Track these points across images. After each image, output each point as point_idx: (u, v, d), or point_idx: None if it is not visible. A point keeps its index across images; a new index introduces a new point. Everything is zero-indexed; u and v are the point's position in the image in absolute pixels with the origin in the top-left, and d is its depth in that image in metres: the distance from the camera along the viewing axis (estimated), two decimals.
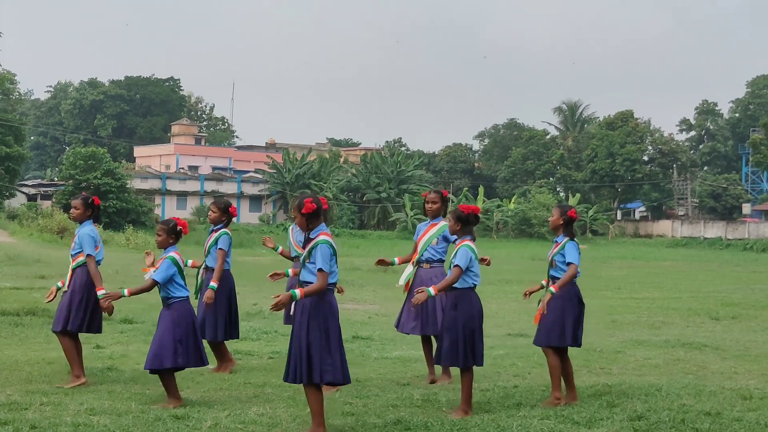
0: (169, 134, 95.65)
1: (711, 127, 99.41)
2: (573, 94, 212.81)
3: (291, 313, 7.50)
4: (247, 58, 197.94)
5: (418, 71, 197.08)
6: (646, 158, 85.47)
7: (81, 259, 9.31)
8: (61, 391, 8.91)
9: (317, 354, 7.17)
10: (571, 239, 8.96)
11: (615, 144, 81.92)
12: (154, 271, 8.44)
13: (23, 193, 73.03)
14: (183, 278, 8.59)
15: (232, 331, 10.49)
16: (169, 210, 76.16)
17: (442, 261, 9.92)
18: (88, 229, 9.38)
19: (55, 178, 77.47)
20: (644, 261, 47.61)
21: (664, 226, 79.74)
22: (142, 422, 7.65)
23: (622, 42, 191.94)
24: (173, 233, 8.65)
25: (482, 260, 9.25)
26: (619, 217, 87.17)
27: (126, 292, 8.43)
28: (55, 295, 9.52)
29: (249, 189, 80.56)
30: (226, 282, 10.34)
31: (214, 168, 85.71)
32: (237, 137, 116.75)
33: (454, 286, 8.31)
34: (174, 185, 78.43)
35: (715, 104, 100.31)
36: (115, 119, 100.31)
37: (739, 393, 9.52)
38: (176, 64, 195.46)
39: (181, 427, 7.52)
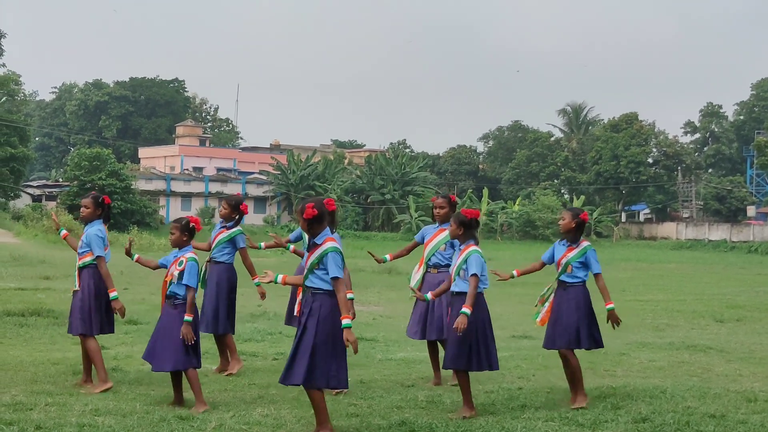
0: (173, 135, 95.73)
1: (716, 130, 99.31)
2: (577, 96, 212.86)
3: (296, 314, 7.50)
4: (251, 59, 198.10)
5: (422, 73, 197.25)
6: (650, 160, 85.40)
7: (87, 258, 9.19)
8: (65, 392, 8.92)
9: (322, 359, 7.15)
10: (583, 242, 8.96)
11: (619, 146, 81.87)
12: (179, 275, 8.35)
13: (28, 193, 73.19)
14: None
15: (231, 325, 10.47)
16: (173, 211, 76.22)
17: (449, 266, 9.91)
18: (96, 229, 9.26)
19: (60, 179, 77.64)
20: (649, 263, 47.55)
21: (668, 229, 79.66)
22: (147, 423, 7.65)
23: (627, 44, 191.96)
24: (187, 230, 8.58)
25: None
26: (623, 219, 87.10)
27: (187, 317, 8.27)
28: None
29: (253, 190, 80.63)
30: (231, 274, 10.35)
31: (219, 169, 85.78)
32: (241, 138, 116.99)
33: (463, 291, 8.29)
34: (178, 186, 78.51)
35: (720, 106, 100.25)
36: (120, 120, 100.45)
37: (743, 395, 9.51)
38: (181, 65, 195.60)
39: (185, 427, 7.53)
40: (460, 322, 8.06)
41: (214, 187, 79.71)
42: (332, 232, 8.79)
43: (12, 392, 8.77)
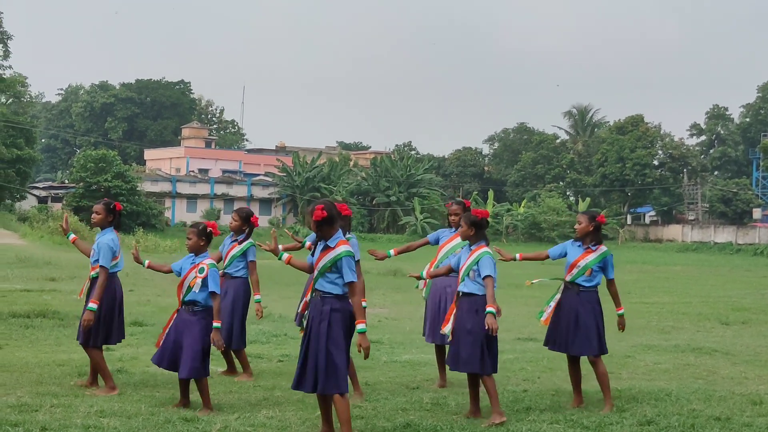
0: (179, 137, 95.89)
1: (721, 132, 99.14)
2: (583, 98, 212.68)
3: (299, 311, 7.43)
4: (257, 61, 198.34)
5: (428, 75, 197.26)
6: (656, 163, 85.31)
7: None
8: (71, 393, 8.93)
9: (342, 363, 7.07)
10: (599, 244, 8.92)
11: (625, 148, 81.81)
12: (201, 282, 8.31)
13: (34, 195, 73.33)
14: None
15: (244, 340, 10.39)
16: (179, 213, 76.35)
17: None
18: (108, 238, 9.16)
19: (66, 181, 77.76)
20: (654, 265, 47.53)
21: (674, 231, 79.57)
22: (152, 424, 7.66)
23: (633, 46, 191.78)
24: (204, 235, 8.53)
25: None
26: (629, 221, 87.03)
27: (216, 324, 8.25)
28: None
29: (259, 192, 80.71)
30: (246, 290, 10.26)
31: (225, 171, 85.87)
32: (247, 140, 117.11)
33: (472, 292, 8.23)
34: (184, 188, 78.60)
35: (726, 109, 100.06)
36: (126, 122, 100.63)
37: (749, 398, 9.51)
38: (187, 67, 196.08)
39: (190, 429, 7.53)
40: (491, 322, 7.98)
41: (220, 189, 79.80)
42: (346, 234, 8.78)
43: (17, 393, 8.78)
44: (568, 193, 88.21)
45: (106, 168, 63.10)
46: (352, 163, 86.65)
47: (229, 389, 9.46)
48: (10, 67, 66.07)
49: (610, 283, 8.91)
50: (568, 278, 8.93)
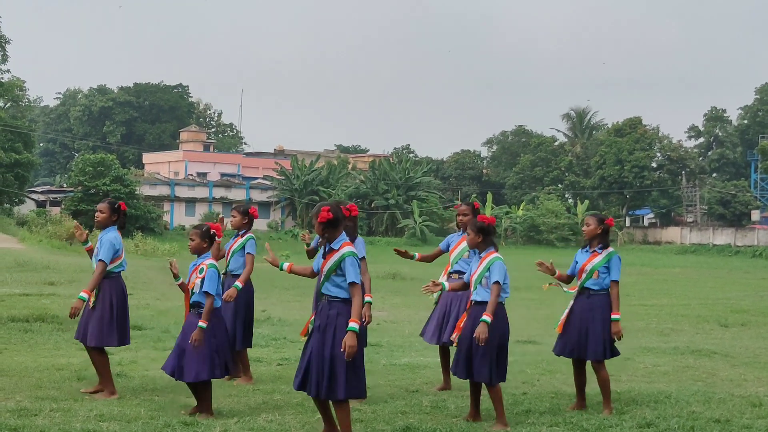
0: (177, 141, 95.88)
1: (720, 134, 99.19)
2: (581, 100, 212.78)
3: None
4: (255, 64, 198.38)
5: (426, 78, 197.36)
6: (654, 165, 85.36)
7: (108, 268, 9.06)
8: (70, 398, 8.91)
9: (342, 369, 6.97)
10: (608, 247, 8.89)
11: (623, 151, 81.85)
12: (201, 283, 8.26)
13: (32, 199, 73.30)
14: (221, 287, 8.51)
15: (247, 340, 10.35)
16: (177, 216, 76.31)
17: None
18: (112, 236, 9.12)
19: (64, 185, 77.69)
20: (653, 268, 47.54)
21: (672, 233, 79.58)
22: (152, 429, 7.66)
23: (631, 49, 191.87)
24: (207, 237, 8.47)
25: None
26: (627, 223, 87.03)
27: (201, 323, 8.16)
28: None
29: (257, 195, 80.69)
30: (248, 289, 10.18)
31: (223, 174, 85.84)
32: (245, 144, 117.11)
33: (485, 300, 8.14)
34: (183, 192, 78.58)
35: (724, 111, 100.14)
36: (124, 126, 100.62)
37: (748, 400, 9.51)
38: (185, 70, 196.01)
39: None
40: (481, 332, 7.90)
41: (218, 193, 79.79)
42: (354, 236, 8.74)
43: (16, 398, 8.77)
44: (566, 196, 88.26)
45: (105, 172, 63.04)
46: (350, 166, 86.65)
47: (229, 393, 9.45)
48: (8, 71, 66.19)
49: (612, 284, 8.84)
50: (578, 283, 8.91)
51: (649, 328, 17.43)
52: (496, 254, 8.28)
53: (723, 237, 73.39)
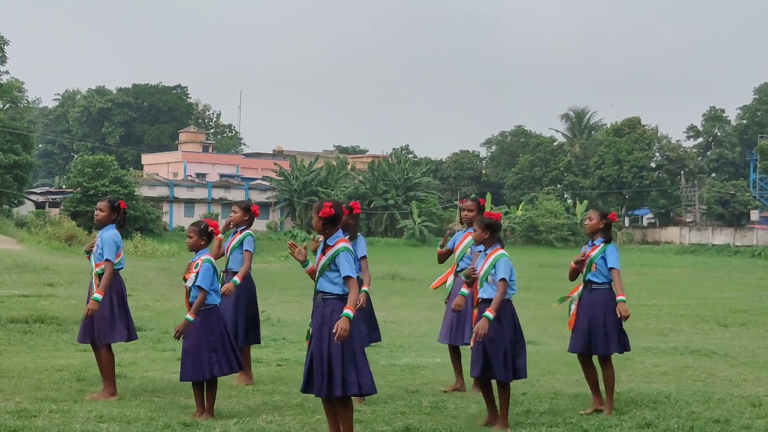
0: (176, 142, 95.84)
1: (718, 134, 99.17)
2: (580, 101, 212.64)
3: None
4: (253, 65, 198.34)
5: (425, 78, 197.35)
6: (653, 165, 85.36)
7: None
8: (70, 399, 8.91)
9: (339, 366, 6.94)
10: (608, 242, 8.87)
11: (622, 151, 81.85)
12: (195, 277, 8.23)
13: (31, 200, 73.25)
14: (218, 283, 8.47)
15: (253, 336, 10.26)
16: (176, 217, 76.30)
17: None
18: (112, 233, 9.13)
19: (63, 186, 77.65)
20: (652, 268, 47.53)
21: (671, 233, 79.59)
22: (151, 430, 7.66)
23: (629, 49, 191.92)
24: (205, 234, 8.44)
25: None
26: (626, 224, 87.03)
27: (189, 316, 8.16)
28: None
29: (256, 196, 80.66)
30: (248, 285, 10.12)
31: (222, 175, 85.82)
32: (244, 144, 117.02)
33: (491, 297, 8.10)
34: (182, 193, 78.58)
35: (723, 111, 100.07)
36: (123, 127, 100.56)
37: (748, 400, 9.51)
38: (183, 71, 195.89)
39: None
40: (481, 327, 7.88)
41: (218, 194, 79.78)
42: (355, 235, 8.74)
43: (16, 399, 8.78)
44: (565, 196, 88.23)
45: (104, 173, 63.02)
46: (349, 166, 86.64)
47: (228, 393, 9.44)
48: (6, 72, 66.14)
49: (613, 272, 8.77)
50: (582, 277, 8.92)
51: (648, 328, 17.43)
52: (501, 251, 8.24)
53: (722, 237, 73.41)
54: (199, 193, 79.35)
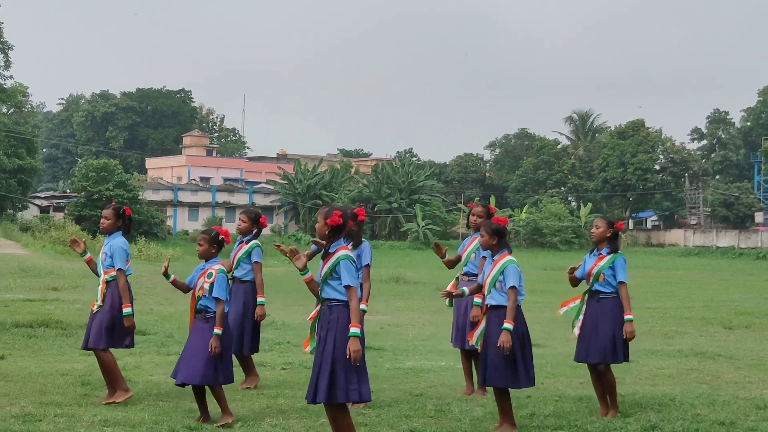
0: (180, 146, 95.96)
1: (723, 136, 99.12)
2: (584, 103, 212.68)
3: (308, 320, 7.29)
4: (257, 69, 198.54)
5: (428, 82, 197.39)
6: (657, 167, 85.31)
7: (114, 273, 9.05)
8: (74, 403, 8.91)
9: (342, 373, 6.90)
10: (616, 252, 8.81)
11: (626, 153, 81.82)
12: (210, 288, 8.17)
13: (36, 205, 73.37)
14: (230, 292, 8.42)
15: (256, 345, 10.27)
16: (180, 221, 76.39)
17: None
18: (120, 241, 9.12)
19: (68, 190, 77.80)
20: (656, 270, 47.47)
21: (676, 236, 79.52)
22: None
23: (634, 51, 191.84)
24: (215, 242, 8.36)
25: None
26: (631, 226, 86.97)
27: (217, 330, 8.10)
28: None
29: (260, 200, 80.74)
30: (254, 294, 10.04)
31: (226, 179, 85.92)
32: (248, 148, 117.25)
33: (500, 304, 8.06)
34: (186, 197, 78.65)
35: (727, 113, 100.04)
36: (127, 131, 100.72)
37: (753, 402, 9.50)
38: (187, 75, 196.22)
39: None
40: (505, 340, 7.84)
41: (222, 197, 79.85)
42: (359, 242, 8.67)
43: (21, 403, 8.78)
44: (569, 199, 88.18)
45: (108, 177, 63.13)
46: (353, 170, 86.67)
47: (233, 397, 9.42)
48: (11, 77, 66.22)
49: (620, 286, 8.74)
50: (587, 287, 8.85)
51: (652, 330, 17.41)
52: (509, 257, 8.16)
53: (726, 239, 73.32)
54: (203, 197, 79.42)
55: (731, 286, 33.92)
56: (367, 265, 8.98)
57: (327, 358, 6.95)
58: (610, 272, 8.74)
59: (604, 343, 8.68)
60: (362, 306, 8.62)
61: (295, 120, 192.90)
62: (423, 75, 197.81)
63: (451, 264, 10.21)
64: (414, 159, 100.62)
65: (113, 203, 9.83)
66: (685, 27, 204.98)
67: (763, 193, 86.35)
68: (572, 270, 9.01)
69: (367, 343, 14.20)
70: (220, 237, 8.42)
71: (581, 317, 8.91)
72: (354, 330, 6.84)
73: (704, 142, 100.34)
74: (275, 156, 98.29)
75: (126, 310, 8.93)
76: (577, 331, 8.95)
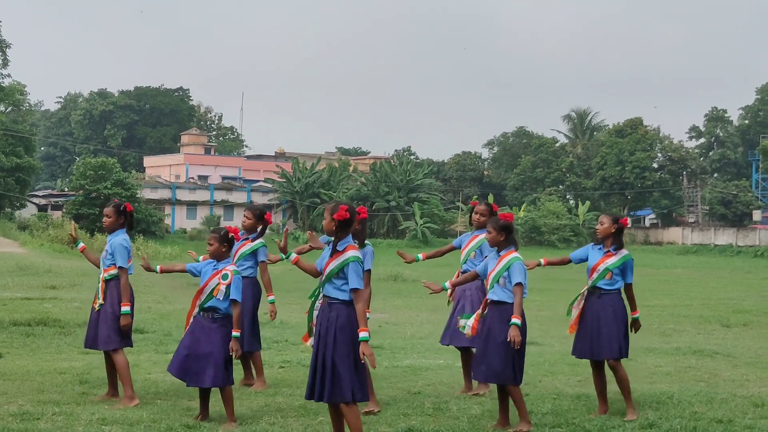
0: (178, 144, 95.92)
1: (721, 134, 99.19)
2: (582, 101, 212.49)
3: (312, 324, 7.24)
4: (255, 67, 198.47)
5: (426, 80, 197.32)
6: (655, 165, 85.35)
7: (114, 271, 9.00)
8: (72, 401, 8.91)
9: (343, 371, 6.89)
10: (621, 248, 8.79)
11: (624, 151, 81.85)
12: (226, 290, 8.12)
13: (34, 203, 73.34)
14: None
15: (257, 342, 10.21)
16: (179, 220, 76.35)
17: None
18: (121, 238, 9.07)
19: (66, 189, 77.80)
20: (655, 268, 47.52)
21: (674, 234, 79.56)
22: None
23: (631, 49, 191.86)
24: (226, 241, 8.30)
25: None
26: (629, 224, 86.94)
27: (235, 333, 8.05)
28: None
29: (259, 198, 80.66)
30: (255, 290, 10.02)
31: (224, 177, 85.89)
32: (246, 147, 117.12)
33: (503, 300, 8.06)
34: (184, 195, 78.60)
35: (725, 111, 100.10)
36: (125, 129, 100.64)
37: (750, 400, 9.51)
38: (185, 74, 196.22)
39: None
40: (515, 335, 7.85)
41: (220, 196, 79.81)
42: (363, 242, 8.60)
43: (19, 402, 8.78)
44: (567, 197, 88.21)
45: (106, 175, 63.08)
46: (351, 168, 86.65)
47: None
48: (8, 75, 66.24)
49: (628, 287, 8.78)
50: (589, 283, 8.79)
51: (651, 328, 17.41)
52: (515, 254, 8.16)
53: (724, 237, 73.38)
54: (202, 196, 79.38)
55: (729, 284, 33.97)
56: (368, 270, 8.87)
57: (328, 357, 6.94)
58: (618, 272, 8.73)
59: (614, 338, 8.64)
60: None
61: (293, 118, 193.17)
62: (421, 73, 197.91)
63: (436, 255, 10.28)
64: (412, 157, 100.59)
65: (115, 200, 9.76)
66: (683, 25, 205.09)
67: (761, 192, 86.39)
68: (535, 264, 9.01)
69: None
70: (230, 235, 8.38)
71: (575, 312, 8.87)
72: (363, 334, 6.84)
73: (702, 140, 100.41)
74: (273, 154, 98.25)
75: (124, 308, 8.88)
76: (572, 322, 8.91)
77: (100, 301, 8.99)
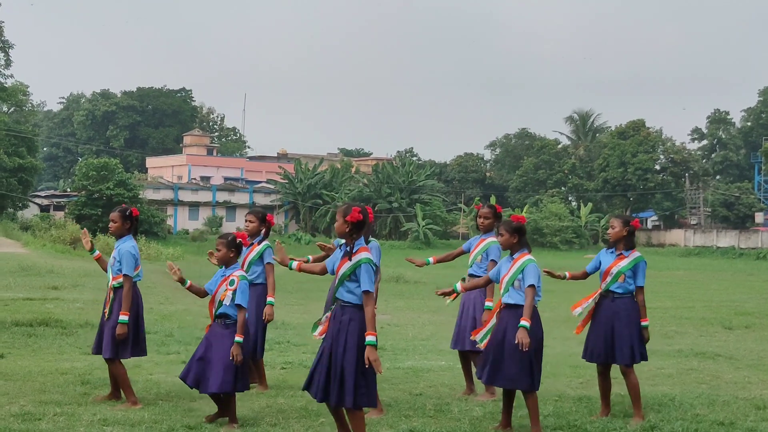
0: (181, 145, 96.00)
1: (723, 136, 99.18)
2: (584, 103, 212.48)
3: (322, 329, 7.19)
4: (258, 68, 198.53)
5: (429, 81, 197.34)
6: (658, 167, 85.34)
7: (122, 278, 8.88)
8: (74, 402, 8.90)
9: (351, 376, 6.83)
10: (632, 249, 8.76)
11: (627, 153, 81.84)
12: (233, 295, 8.07)
13: (36, 204, 73.40)
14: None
15: (262, 348, 10.16)
16: (181, 221, 76.41)
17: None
18: (129, 246, 8.93)
19: (68, 189, 77.85)
20: (657, 270, 47.45)
21: (676, 236, 79.53)
22: None
23: (633, 51, 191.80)
24: (233, 246, 8.24)
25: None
26: (640, 225, 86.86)
27: (238, 338, 7.99)
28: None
29: (261, 199, 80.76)
30: (262, 296, 9.92)
31: (226, 178, 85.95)
32: (249, 148, 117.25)
33: (518, 303, 7.95)
34: (186, 196, 78.68)
35: (727, 113, 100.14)
36: (128, 130, 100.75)
37: (752, 403, 9.50)
38: (188, 75, 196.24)
39: None
40: (522, 337, 7.69)
41: (222, 197, 79.86)
42: (367, 241, 8.57)
43: (20, 402, 8.77)
44: (570, 199, 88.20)
45: (108, 176, 63.12)
46: (353, 169, 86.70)
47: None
48: (11, 76, 66.31)
49: (638, 290, 8.73)
50: (602, 286, 8.74)
51: (652, 330, 17.27)
52: (529, 256, 8.06)
53: (727, 239, 73.33)
54: (204, 197, 79.43)
55: (731, 287, 33.92)
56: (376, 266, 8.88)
57: (338, 360, 6.90)
58: (630, 274, 8.69)
59: (626, 343, 8.60)
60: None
61: (295, 119, 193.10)
62: (423, 75, 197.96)
63: (446, 259, 10.19)
64: (414, 159, 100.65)
65: (122, 205, 9.65)
66: (685, 27, 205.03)
67: (764, 194, 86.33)
68: (560, 276, 8.94)
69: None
70: (238, 241, 8.30)
71: (585, 314, 8.85)
72: (370, 338, 6.77)
73: (704, 142, 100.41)
74: (276, 155, 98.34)
75: (122, 318, 8.74)
76: (579, 324, 8.87)
77: (106, 311, 8.93)
